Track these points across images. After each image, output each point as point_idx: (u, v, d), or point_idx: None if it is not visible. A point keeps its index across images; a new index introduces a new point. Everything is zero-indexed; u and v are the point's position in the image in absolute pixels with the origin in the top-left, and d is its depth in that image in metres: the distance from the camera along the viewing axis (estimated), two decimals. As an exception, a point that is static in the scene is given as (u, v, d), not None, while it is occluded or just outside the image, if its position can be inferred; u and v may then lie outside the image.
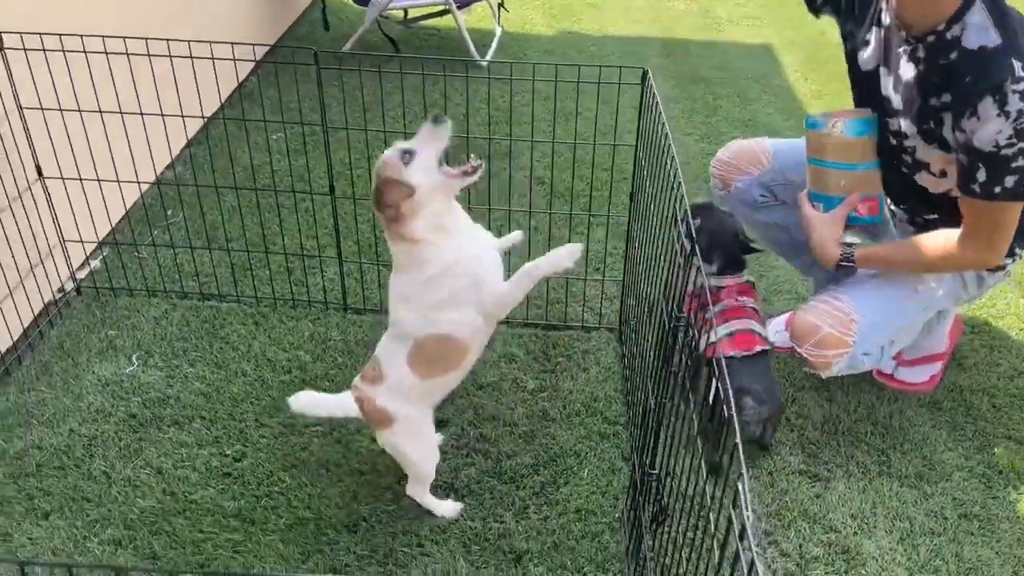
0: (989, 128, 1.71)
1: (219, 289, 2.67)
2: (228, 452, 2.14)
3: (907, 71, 1.91)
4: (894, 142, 2.01)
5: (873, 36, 2.00)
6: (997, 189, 1.77)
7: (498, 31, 4.62)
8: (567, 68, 2.27)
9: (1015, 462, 2.16)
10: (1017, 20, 1.77)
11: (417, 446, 1.95)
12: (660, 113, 1.95)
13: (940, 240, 1.95)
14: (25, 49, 2.22)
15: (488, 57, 4.31)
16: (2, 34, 2.20)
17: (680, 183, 1.65)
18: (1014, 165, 1.74)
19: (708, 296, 1.39)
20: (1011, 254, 2.04)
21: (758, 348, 2.13)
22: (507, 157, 3.36)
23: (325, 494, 2.04)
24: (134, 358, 2.41)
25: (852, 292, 2.07)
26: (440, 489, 2.06)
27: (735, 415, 1.80)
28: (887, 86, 1.98)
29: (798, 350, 2.07)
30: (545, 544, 1.94)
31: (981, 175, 1.78)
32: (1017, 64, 1.70)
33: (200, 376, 2.36)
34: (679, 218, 1.57)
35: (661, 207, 1.86)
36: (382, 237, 2.88)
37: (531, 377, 2.41)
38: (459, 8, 4.27)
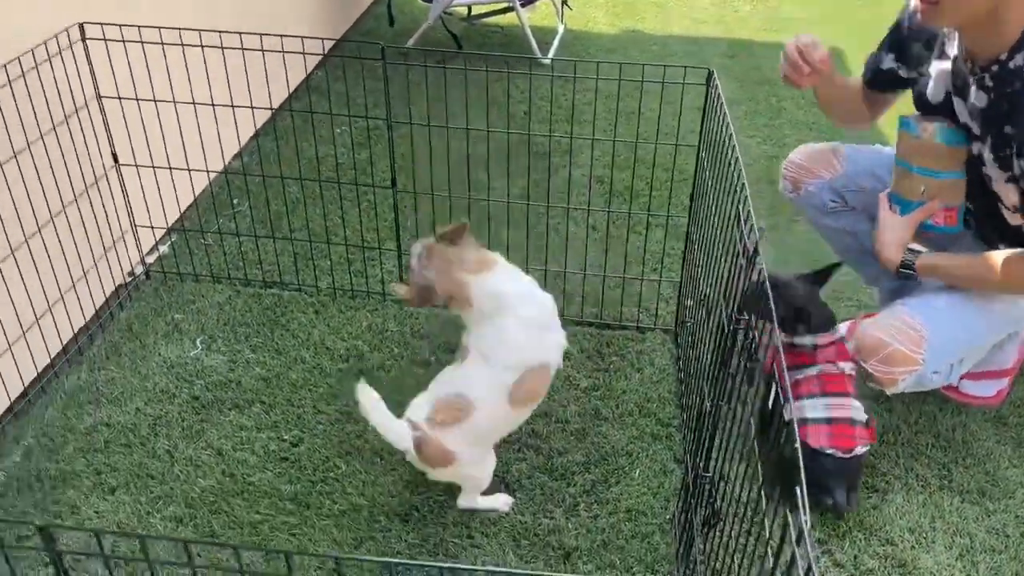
0: None
1: (281, 277, 2.73)
2: (286, 437, 2.19)
3: (980, 99, 1.88)
4: (977, 168, 1.98)
5: (936, 68, 2.00)
6: None
7: (560, 29, 4.62)
8: (631, 67, 2.26)
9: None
10: None
11: (480, 468, 1.95)
12: (725, 114, 1.94)
13: (1013, 259, 1.90)
14: (106, 40, 2.30)
15: (550, 55, 4.32)
16: (85, 25, 2.28)
17: (744, 184, 1.64)
18: None
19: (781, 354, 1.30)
20: None
21: (858, 450, 1.95)
22: (567, 155, 3.36)
23: (379, 482, 2.08)
24: (198, 342, 2.48)
25: (923, 308, 2.00)
26: (492, 480, 2.07)
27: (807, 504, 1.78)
28: (963, 113, 1.95)
29: (863, 365, 2.01)
30: (594, 542, 1.95)
31: None
32: None
33: (260, 362, 2.41)
34: (742, 219, 1.56)
35: (723, 209, 1.85)
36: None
37: (584, 375, 2.41)
38: (523, 5, 4.29)
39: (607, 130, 3.44)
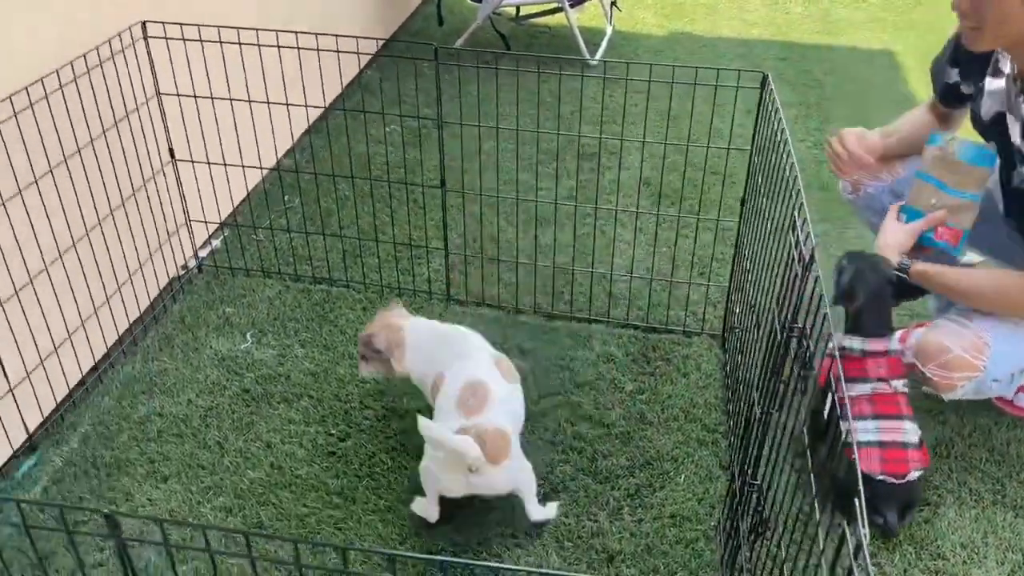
0: None
1: (330, 274, 2.76)
2: (333, 431, 2.22)
3: None
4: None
5: (990, 85, 1.97)
6: None
7: (609, 30, 4.61)
8: (682, 69, 2.25)
9: None
10: None
11: (523, 459, 1.95)
12: (781, 119, 1.92)
13: (1015, 279, 1.90)
14: (167, 38, 2.35)
15: (598, 56, 4.31)
16: (146, 23, 2.33)
17: (800, 191, 1.63)
18: None
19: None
20: None
21: (912, 476, 1.89)
22: (615, 156, 3.36)
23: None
24: (248, 335, 2.52)
25: (989, 316, 1.97)
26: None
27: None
28: (1015, 134, 1.92)
29: (921, 369, 1.98)
30: (638, 546, 1.94)
31: None
32: None
33: (309, 356, 2.45)
34: (798, 225, 1.55)
35: (775, 214, 1.83)
36: (487, 232, 2.94)
37: (629, 379, 2.41)
38: (572, 6, 4.28)
39: (656, 132, 3.43)
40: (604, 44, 4.46)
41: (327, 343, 2.50)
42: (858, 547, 0.99)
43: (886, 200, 2.26)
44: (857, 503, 1.01)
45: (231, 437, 2.20)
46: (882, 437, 1.90)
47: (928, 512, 2.01)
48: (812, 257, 1.44)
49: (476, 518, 2.00)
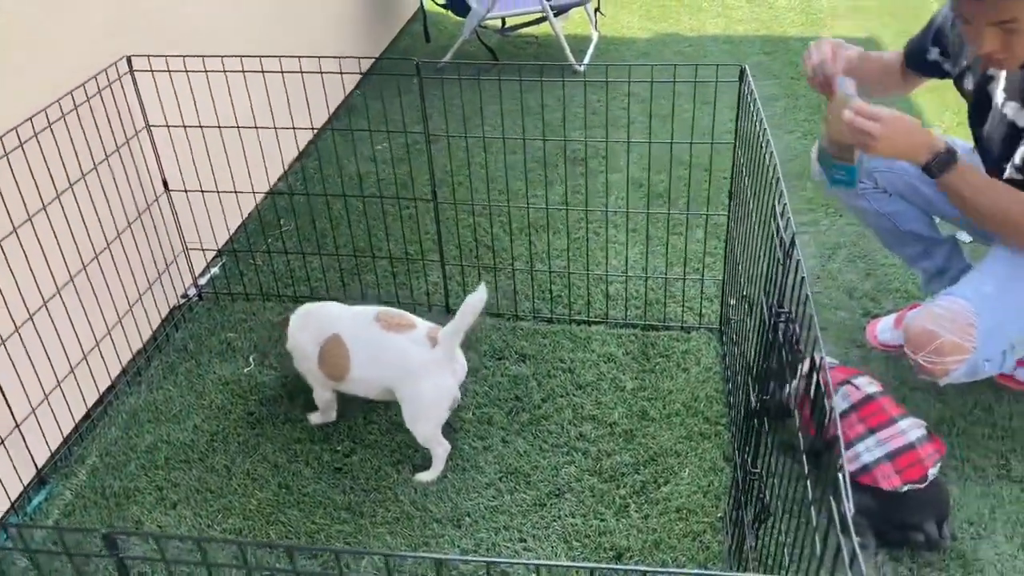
0: None
1: (329, 293, 2.79)
2: (338, 448, 2.24)
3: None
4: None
5: (969, 58, 2.01)
6: None
7: (595, 36, 4.64)
8: (662, 69, 2.28)
9: None
10: None
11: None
12: (758, 110, 1.93)
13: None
14: (152, 71, 2.39)
15: (585, 62, 4.34)
16: (131, 57, 2.37)
17: (779, 178, 1.64)
18: None
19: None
20: None
21: (931, 472, 1.83)
22: (605, 160, 3.38)
23: (430, 489, 2.11)
24: (251, 359, 2.55)
25: (971, 294, 1.95)
26: (542, 484, 2.09)
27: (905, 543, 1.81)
28: (1021, 117, 1.91)
29: (913, 358, 1.96)
30: (645, 542, 1.95)
31: None
32: None
33: (312, 376, 2.47)
34: (778, 212, 1.56)
35: (761, 205, 1.85)
36: (482, 242, 2.96)
37: (630, 377, 2.42)
38: (556, 15, 4.32)
39: (644, 133, 3.45)
40: (591, 50, 4.49)
41: (329, 361, 2.52)
42: (844, 522, 1.00)
43: (866, 181, 2.27)
44: (840, 477, 1.02)
45: (238, 460, 2.22)
46: (888, 449, 1.86)
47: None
48: (793, 243, 1.46)
49: (484, 523, 2.01)
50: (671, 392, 2.36)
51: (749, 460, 1.73)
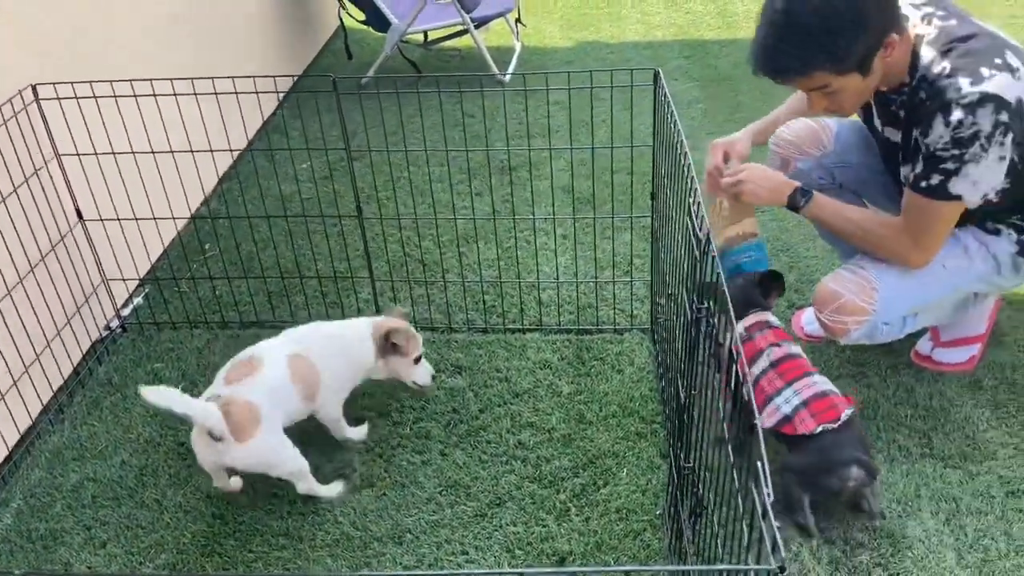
0: (935, 133, 1.87)
1: (258, 317, 2.74)
2: (274, 473, 2.19)
3: (902, 117, 2.03)
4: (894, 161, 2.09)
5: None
6: (923, 184, 1.91)
7: (518, 47, 4.67)
8: (579, 75, 2.30)
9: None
10: (964, 41, 1.88)
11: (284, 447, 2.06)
12: (672, 111, 1.97)
13: (887, 219, 2.04)
14: (59, 99, 2.32)
15: (509, 72, 4.37)
16: (37, 86, 2.30)
17: (693, 176, 1.67)
18: (942, 167, 1.87)
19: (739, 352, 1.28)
20: None
21: (844, 414, 1.92)
22: (531, 168, 3.40)
23: (369, 508, 2.08)
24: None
25: (877, 262, 2.08)
26: (482, 495, 2.09)
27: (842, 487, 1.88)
28: (894, 135, 2.08)
29: (818, 316, 2.09)
30: (587, 545, 1.96)
31: (918, 168, 1.92)
32: (964, 80, 1.82)
33: (243, 401, 2.42)
34: (693, 211, 1.59)
35: (681, 205, 1.88)
36: (413, 256, 2.95)
37: (566, 382, 2.43)
38: (477, 27, 4.34)
39: (575, 140, 3.49)
40: (514, 61, 4.52)
41: (260, 386, 2.47)
42: (765, 510, 1.02)
43: (816, 175, 2.33)
44: (760, 467, 1.04)
45: (169, 493, 2.16)
46: (803, 396, 1.96)
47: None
48: (708, 239, 1.49)
49: (425, 539, 2.00)
50: (607, 394, 2.38)
51: (682, 456, 1.75)
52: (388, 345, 2.24)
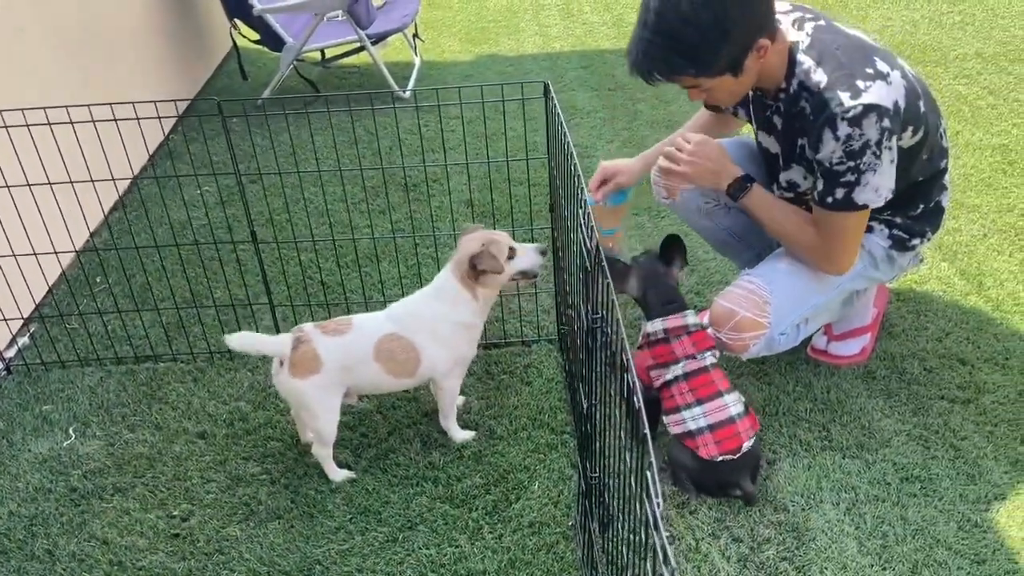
0: (827, 149, 1.91)
1: (154, 350, 2.64)
2: (175, 513, 2.11)
3: (778, 123, 2.10)
4: (791, 195, 2.16)
5: (743, 111, 2.24)
6: (829, 199, 1.96)
7: (417, 62, 4.65)
8: (471, 90, 2.30)
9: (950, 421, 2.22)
10: (836, 50, 1.94)
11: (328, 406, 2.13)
12: (562, 122, 1.98)
13: (808, 229, 2.08)
14: (-78, 133, 2.19)
15: (409, 88, 4.34)
16: None
17: (583, 188, 1.68)
18: (843, 180, 1.92)
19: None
20: (922, 236, 2.17)
21: (745, 445, 1.96)
22: (429, 185, 3.38)
23: (277, 542, 2.02)
24: (71, 430, 2.37)
25: (766, 273, 2.13)
26: (393, 519, 2.05)
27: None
28: (772, 145, 2.16)
29: (716, 335, 2.11)
30: (501, 562, 1.94)
31: (820, 185, 1.98)
32: (844, 95, 1.88)
33: (141, 440, 2.32)
34: (583, 223, 1.60)
35: (574, 216, 1.89)
36: (314, 279, 2.89)
37: (476, 397, 2.41)
38: (374, 43, 4.30)
39: (474, 153, 3.48)
40: (414, 75, 4.49)
41: (158, 422, 2.38)
42: (655, 520, 1.02)
43: (700, 201, 2.37)
44: (649, 475, 1.05)
45: (61, 542, 2.05)
46: (711, 420, 1.97)
47: (765, 469, 2.11)
48: (599, 251, 1.49)
49: (336, 569, 1.94)
50: (516, 407, 2.37)
51: (589, 465, 1.75)
52: (481, 274, 2.12)
